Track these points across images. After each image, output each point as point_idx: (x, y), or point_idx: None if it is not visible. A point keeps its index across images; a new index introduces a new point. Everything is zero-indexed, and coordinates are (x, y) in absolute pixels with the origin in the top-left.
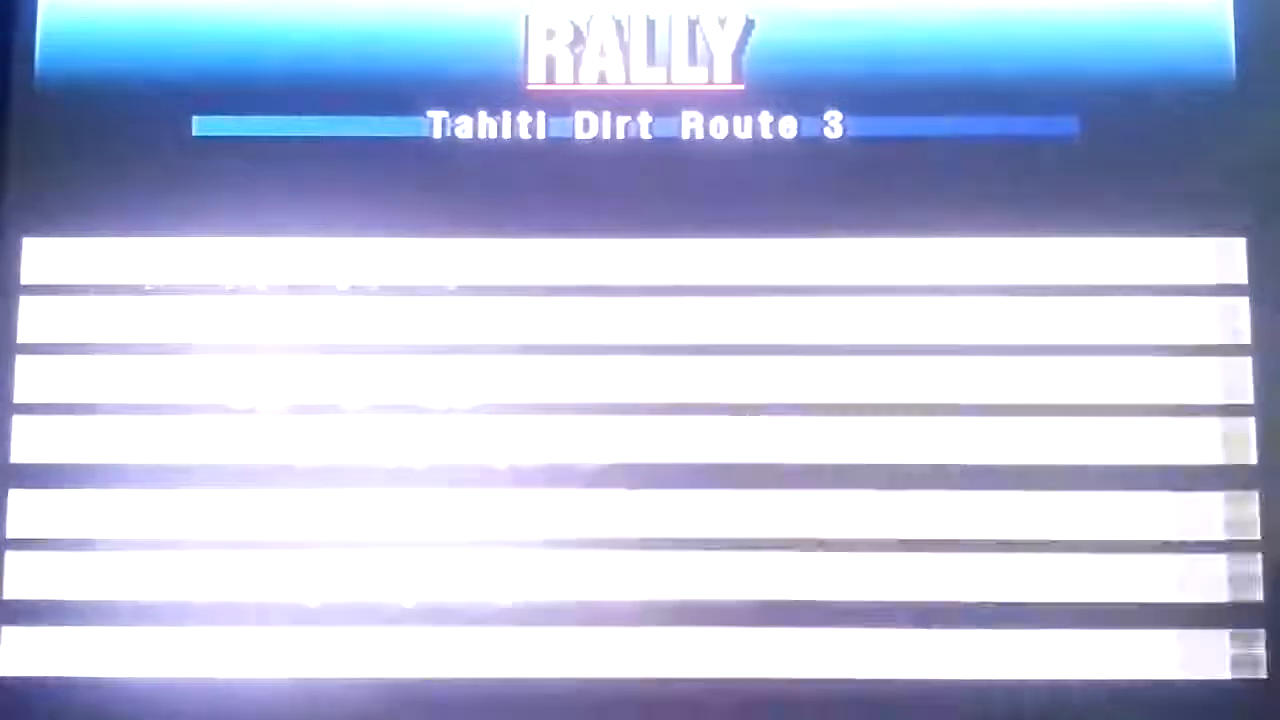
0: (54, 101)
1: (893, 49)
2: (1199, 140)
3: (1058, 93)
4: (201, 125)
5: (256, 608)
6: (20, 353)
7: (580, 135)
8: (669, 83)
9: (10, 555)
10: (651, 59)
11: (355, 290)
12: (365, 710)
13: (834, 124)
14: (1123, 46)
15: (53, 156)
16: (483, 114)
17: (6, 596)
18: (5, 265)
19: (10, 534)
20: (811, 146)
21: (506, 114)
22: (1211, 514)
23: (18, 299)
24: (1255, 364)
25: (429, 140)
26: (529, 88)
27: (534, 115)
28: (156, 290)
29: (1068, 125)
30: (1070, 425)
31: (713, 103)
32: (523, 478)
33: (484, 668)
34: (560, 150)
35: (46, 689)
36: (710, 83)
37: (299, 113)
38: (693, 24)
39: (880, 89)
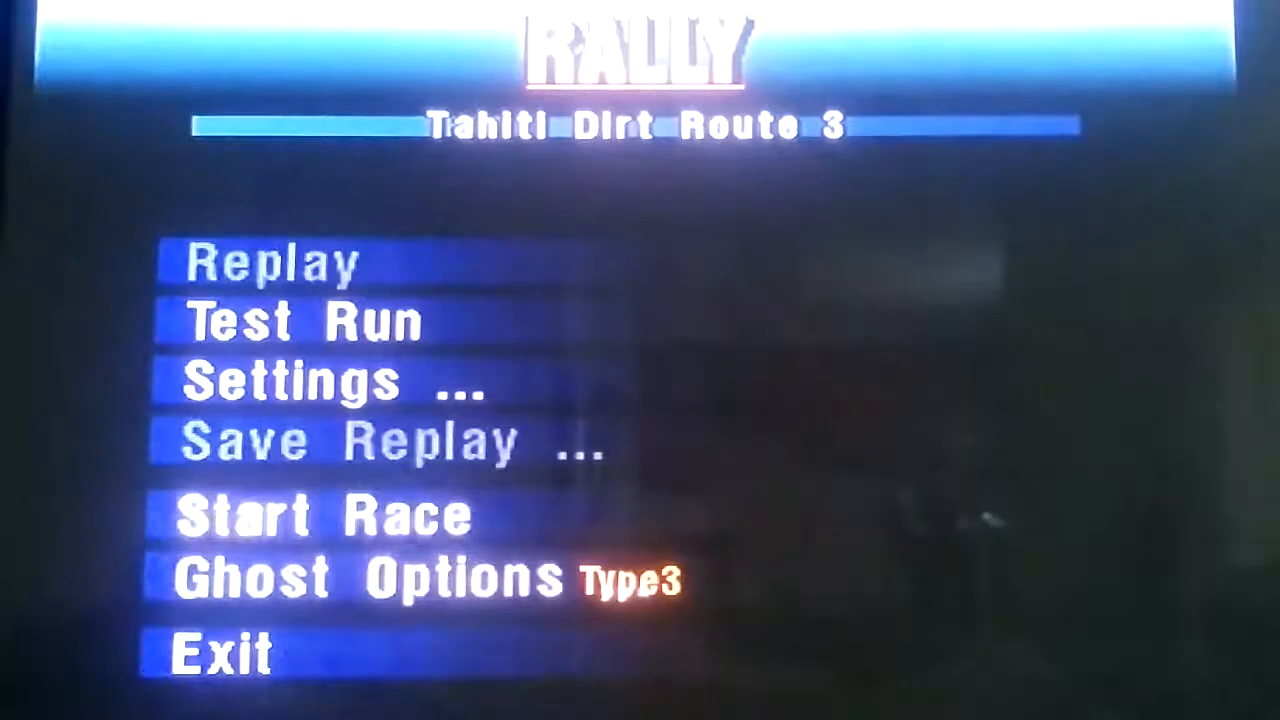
0: (53, 102)
1: (893, 50)
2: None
3: (1058, 94)
4: (201, 125)
5: (395, 608)
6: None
7: (580, 135)
8: (669, 83)
9: (150, 556)
10: (651, 59)
11: (355, 290)
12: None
13: (834, 124)
14: (1123, 49)
15: (52, 156)
16: (483, 114)
17: (146, 598)
18: (143, 267)
19: (150, 535)
20: (812, 146)
21: (506, 114)
22: None
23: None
24: None
25: (429, 140)
26: (529, 88)
27: (534, 115)
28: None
29: (1069, 125)
30: None
31: (713, 103)
32: (523, 477)
33: None
34: (560, 150)
35: (187, 690)
36: (710, 83)
37: (299, 113)
38: (693, 24)
39: (880, 89)
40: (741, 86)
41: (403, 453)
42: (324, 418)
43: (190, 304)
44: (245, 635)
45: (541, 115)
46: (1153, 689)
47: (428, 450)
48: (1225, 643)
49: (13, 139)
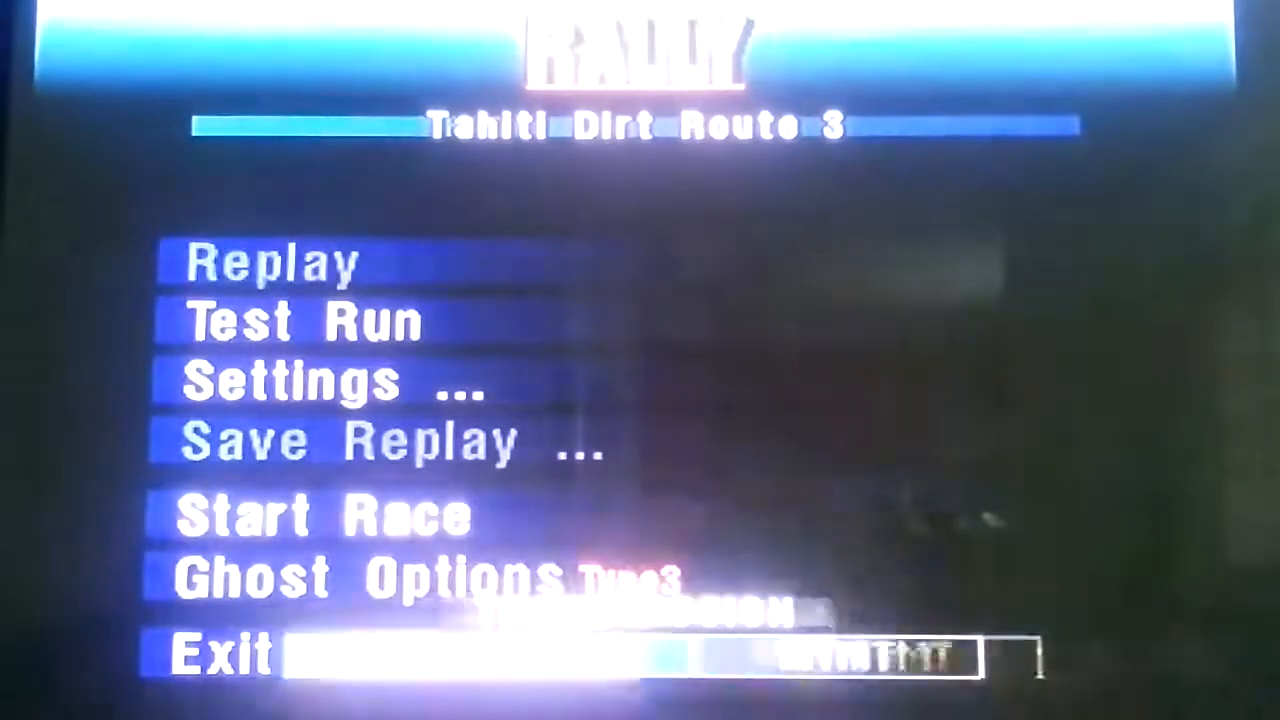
0: (53, 101)
1: (893, 50)
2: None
3: (1058, 94)
4: (201, 125)
5: (395, 608)
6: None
7: (580, 135)
8: (669, 83)
9: (150, 556)
10: (651, 59)
11: (355, 290)
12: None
13: (834, 124)
14: (1123, 49)
15: (52, 156)
16: (483, 114)
17: (146, 598)
18: (143, 267)
19: (150, 535)
20: (812, 146)
21: (507, 114)
22: None
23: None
24: None
25: (429, 140)
26: (529, 88)
27: (534, 115)
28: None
29: (1069, 125)
30: None
31: (713, 103)
32: (523, 477)
33: None
34: (560, 150)
35: (187, 690)
36: (710, 83)
37: (299, 113)
38: (692, 24)
39: (880, 89)
40: (741, 86)
41: (403, 453)
42: (324, 418)
43: (190, 304)
44: (245, 635)
45: (541, 115)
46: (1153, 689)
47: (428, 450)
48: (1226, 642)
49: (13, 139)
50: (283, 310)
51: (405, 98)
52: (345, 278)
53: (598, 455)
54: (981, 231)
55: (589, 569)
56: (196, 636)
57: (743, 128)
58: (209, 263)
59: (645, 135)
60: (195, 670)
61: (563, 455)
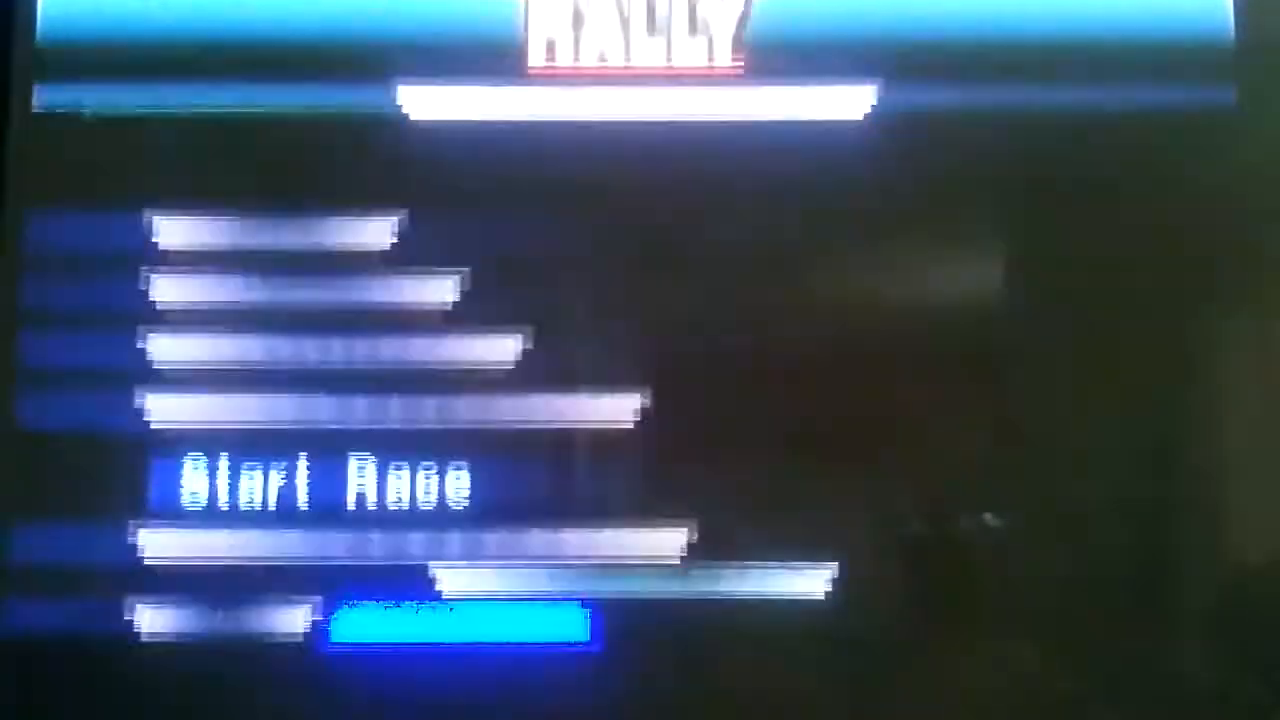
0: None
1: (898, 22)
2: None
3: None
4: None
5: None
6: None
7: (580, 113)
8: (669, 62)
9: (145, 528)
10: (652, 38)
11: (355, 270)
12: None
13: (835, 101)
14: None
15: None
16: (481, 91)
17: (142, 568)
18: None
19: (147, 505)
20: (813, 125)
21: (507, 93)
22: None
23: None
24: None
25: (428, 120)
26: (529, 67)
27: (534, 95)
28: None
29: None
30: None
31: (714, 79)
32: (524, 449)
33: None
34: (560, 130)
35: (182, 659)
36: (711, 60)
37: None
38: (693, 4)
39: (885, 62)
40: (742, 65)
41: (405, 419)
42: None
43: (174, 275)
44: (240, 603)
45: (542, 94)
46: (1153, 689)
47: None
48: (1226, 642)
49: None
50: (270, 284)
51: (402, 73)
52: (339, 252)
53: (599, 429)
54: (987, 214)
55: (581, 536)
56: (190, 606)
57: (744, 104)
58: (189, 235)
59: (646, 114)
60: (191, 640)
61: (565, 428)
